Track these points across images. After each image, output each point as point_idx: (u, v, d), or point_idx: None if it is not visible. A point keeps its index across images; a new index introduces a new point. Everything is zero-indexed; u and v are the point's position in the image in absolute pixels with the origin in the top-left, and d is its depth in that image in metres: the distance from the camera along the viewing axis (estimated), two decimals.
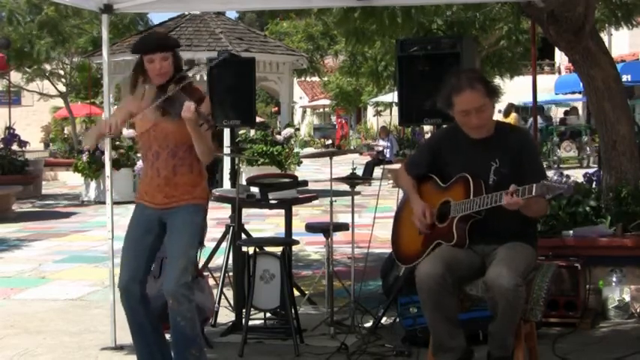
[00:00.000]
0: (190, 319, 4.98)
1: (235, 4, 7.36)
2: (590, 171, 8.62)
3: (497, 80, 19.25)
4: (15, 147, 17.72)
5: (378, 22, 9.87)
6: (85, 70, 30.76)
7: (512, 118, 25.98)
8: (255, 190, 6.95)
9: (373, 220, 7.08)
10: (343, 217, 7.88)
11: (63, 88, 31.43)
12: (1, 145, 17.92)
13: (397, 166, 18.69)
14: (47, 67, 29.44)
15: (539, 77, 10.94)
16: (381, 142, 25.23)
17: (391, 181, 18.70)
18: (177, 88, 4.95)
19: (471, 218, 4.95)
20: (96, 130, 5.21)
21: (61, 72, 30.93)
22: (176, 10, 13.72)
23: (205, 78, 7.93)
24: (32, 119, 42.31)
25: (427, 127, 24.05)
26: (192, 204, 5.10)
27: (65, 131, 41.75)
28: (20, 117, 25.73)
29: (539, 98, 11.50)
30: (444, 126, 5.73)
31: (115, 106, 6.03)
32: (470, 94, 4.90)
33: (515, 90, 24.53)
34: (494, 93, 5.00)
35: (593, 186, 7.85)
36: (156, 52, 5.01)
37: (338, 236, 7.41)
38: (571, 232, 6.96)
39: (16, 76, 29.60)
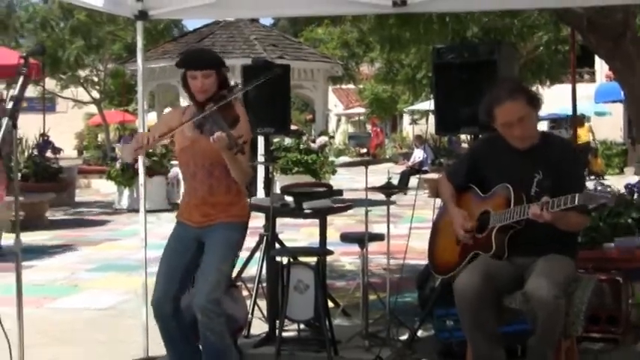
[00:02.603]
0: (220, 333, 4.97)
1: (270, 10, 7.34)
2: (632, 181, 8.51)
3: (536, 88, 19.15)
4: (49, 154, 17.82)
5: (413, 29, 9.86)
6: (118, 77, 31.00)
7: (586, 128, 25.76)
8: (289, 199, 6.94)
9: (409, 230, 7.04)
10: (378, 228, 7.83)
11: (97, 95, 31.65)
12: (35, 152, 18.04)
13: (433, 175, 18.66)
14: (81, 73, 29.66)
15: (578, 85, 10.84)
16: (417, 151, 25.15)
17: (427, 191, 18.66)
18: (213, 106, 4.90)
19: (510, 229, 4.90)
20: (134, 144, 5.21)
21: (95, 79, 31.15)
22: (210, 16, 13.74)
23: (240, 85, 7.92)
24: (66, 126, 42.59)
25: (464, 136, 23.95)
26: (230, 222, 5.09)
27: (99, 138, 42.09)
28: (54, 124, 25.86)
29: (579, 107, 11.42)
30: (486, 135, 5.68)
31: (149, 114, 6.03)
32: (511, 105, 4.86)
33: (554, 98, 24.35)
34: (535, 102, 4.95)
35: (635, 197, 7.76)
36: (198, 69, 5.00)
37: (373, 247, 7.36)
38: (612, 244, 6.87)
39: (50, 83, 29.85)
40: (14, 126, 4.18)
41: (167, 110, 17.86)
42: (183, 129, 5.07)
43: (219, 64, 5.14)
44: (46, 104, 26.51)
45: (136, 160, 16.77)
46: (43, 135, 18.97)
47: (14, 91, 4.25)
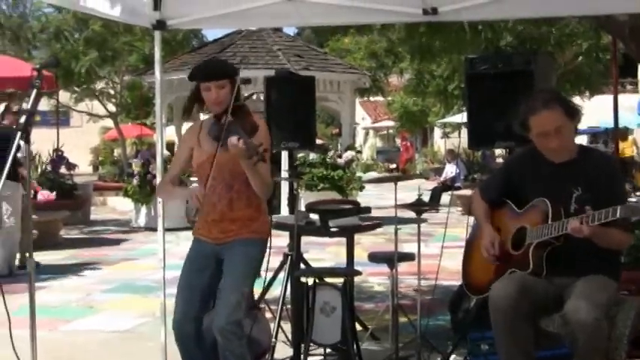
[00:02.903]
0: (240, 355, 4.98)
1: (294, 19, 7.36)
2: None
3: (575, 99, 19.08)
4: (63, 170, 17.91)
5: (444, 38, 9.87)
6: (135, 89, 31.06)
7: (630, 142, 25.61)
8: (314, 217, 6.94)
9: (441, 249, 7.02)
10: (409, 247, 7.82)
11: (113, 108, 31.76)
12: (49, 168, 18.14)
13: (466, 192, 18.61)
14: (96, 86, 29.81)
15: (620, 96, 10.79)
16: (449, 166, 25.10)
17: (460, 208, 18.61)
18: (228, 117, 4.93)
19: (548, 245, 4.88)
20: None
21: (111, 91, 31.27)
22: (231, 26, 13.81)
23: (262, 98, 7.96)
24: (81, 141, 42.87)
25: (498, 151, 23.88)
26: (250, 238, 5.12)
27: (115, 153, 42.25)
28: (69, 138, 25.99)
29: (621, 119, 11.35)
30: (521, 148, 5.67)
31: (168, 128, 6.04)
32: (547, 115, 4.86)
33: (594, 110, 24.24)
34: (574, 113, 4.94)
35: None
36: (212, 80, 5.04)
37: (403, 267, 7.35)
38: None
39: (64, 96, 30.02)
40: (27, 141, 4.20)
41: (185, 126, 17.92)
42: (200, 142, 5.10)
43: (233, 73, 5.17)
44: (60, 118, 26.66)
45: (148, 171, 16.93)
46: (57, 150, 19.06)
47: (27, 105, 4.27)
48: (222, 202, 5.12)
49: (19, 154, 12.54)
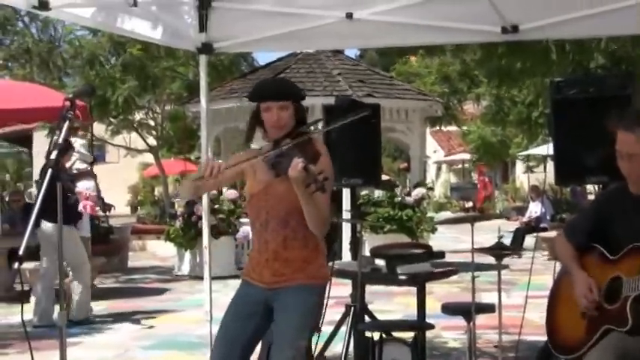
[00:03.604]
0: None
1: (356, 40, 7.42)
2: None
3: None
4: (98, 211, 18.09)
5: (526, 59, 9.84)
6: (178, 120, 31.25)
7: None
8: (380, 263, 6.94)
9: (525, 299, 6.99)
10: (488, 297, 7.78)
11: (153, 142, 31.95)
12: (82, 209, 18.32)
13: (553, 234, 18.45)
14: (135, 117, 29.99)
15: None
16: (533, 205, 24.93)
17: (546, 252, 18.46)
18: (290, 142, 4.92)
19: None
20: (194, 178, 5.22)
21: (151, 122, 31.47)
22: (286, 48, 13.90)
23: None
24: (118, 178, 43.26)
25: (590, 187, 23.70)
26: (306, 284, 5.06)
27: (155, 192, 42.59)
28: (104, 175, 26.20)
29: None
30: (614, 184, 5.62)
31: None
32: (624, 136, 4.86)
33: None
34: None
35: None
36: (274, 100, 5.04)
37: (481, 319, 7.32)
38: None
39: (99, 129, 30.30)
40: (58, 178, 4.21)
41: None
42: (255, 170, 5.10)
43: (298, 96, 5.17)
44: (95, 153, 26.96)
45: (193, 212, 17.02)
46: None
47: (58, 138, 4.29)
48: (276, 239, 5.06)
49: (84, 187, 12.90)
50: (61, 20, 22.48)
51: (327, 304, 5.28)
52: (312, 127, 5.15)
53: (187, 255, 18.49)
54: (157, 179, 38.62)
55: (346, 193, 14.19)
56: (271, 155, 4.95)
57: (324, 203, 4.90)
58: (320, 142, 5.20)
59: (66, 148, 12.29)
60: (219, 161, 5.11)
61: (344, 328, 7.55)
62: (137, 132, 31.05)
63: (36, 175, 27.75)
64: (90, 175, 13.99)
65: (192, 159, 35.16)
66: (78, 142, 14.56)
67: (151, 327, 12.39)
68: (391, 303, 12.88)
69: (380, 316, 8.12)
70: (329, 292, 5.31)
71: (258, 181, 5.13)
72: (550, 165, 6.84)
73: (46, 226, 11.38)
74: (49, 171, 4.19)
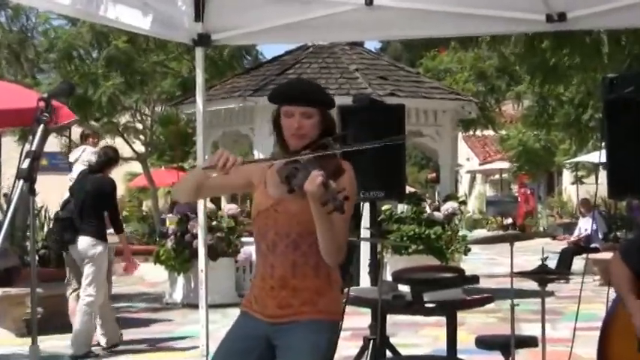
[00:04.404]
0: None
1: (377, 31, 7.40)
2: None
3: None
4: None
5: (575, 52, 9.84)
6: (170, 123, 31.30)
7: None
8: (404, 289, 6.94)
9: (573, 332, 6.98)
10: (529, 328, 7.78)
11: (141, 148, 31.98)
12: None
13: (606, 255, 18.42)
14: (120, 119, 29.97)
15: None
16: (583, 221, 24.93)
17: (598, 277, 18.44)
18: (310, 152, 4.84)
19: None
20: (197, 173, 5.17)
21: (139, 126, 31.48)
22: (295, 40, 13.88)
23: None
24: None
25: None
26: (316, 320, 4.96)
27: (143, 207, 42.63)
28: None
29: None
30: None
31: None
32: None
33: None
34: None
35: None
36: (297, 104, 4.94)
37: (522, 355, 7.32)
38: None
39: (78, 133, 30.33)
40: (31, 191, 4.19)
41: None
42: (266, 182, 5.03)
43: (326, 103, 5.07)
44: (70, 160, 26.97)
45: (187, 230, 17.04)
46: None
47: (31, 145, 4.26)
48: (284, 264, 4.96)
49: None
50: (34, 7, 22.58)
51: (339, 336, 5.25)
52: (337, 143, 5.04)
53: (180, 280, 18.48)
54: (146, 192, 38.71)
55: (366, 208, 14.17)
56: (286, 168, 4.83)
57: (341, 227, 4.80)
58: (345, 162, 5.04)
59: (115, 159, 12.59)
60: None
61: None
62: (122, 137, 31.08)
63: (5, 188, 27.76)
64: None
65: (185, 168, 35.16)
66: (88, 150, 14.61)
67: None
68: (417, 336, 12.88)
69: (403, 351, 8.14)
70: (341, 324, 5.29)
71: (268, 196, 5.03)
72: (602, 175, 6.84)
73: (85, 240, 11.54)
74: (20, 182, 4.15)
